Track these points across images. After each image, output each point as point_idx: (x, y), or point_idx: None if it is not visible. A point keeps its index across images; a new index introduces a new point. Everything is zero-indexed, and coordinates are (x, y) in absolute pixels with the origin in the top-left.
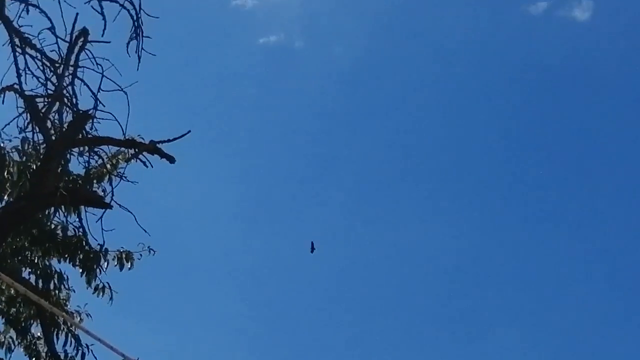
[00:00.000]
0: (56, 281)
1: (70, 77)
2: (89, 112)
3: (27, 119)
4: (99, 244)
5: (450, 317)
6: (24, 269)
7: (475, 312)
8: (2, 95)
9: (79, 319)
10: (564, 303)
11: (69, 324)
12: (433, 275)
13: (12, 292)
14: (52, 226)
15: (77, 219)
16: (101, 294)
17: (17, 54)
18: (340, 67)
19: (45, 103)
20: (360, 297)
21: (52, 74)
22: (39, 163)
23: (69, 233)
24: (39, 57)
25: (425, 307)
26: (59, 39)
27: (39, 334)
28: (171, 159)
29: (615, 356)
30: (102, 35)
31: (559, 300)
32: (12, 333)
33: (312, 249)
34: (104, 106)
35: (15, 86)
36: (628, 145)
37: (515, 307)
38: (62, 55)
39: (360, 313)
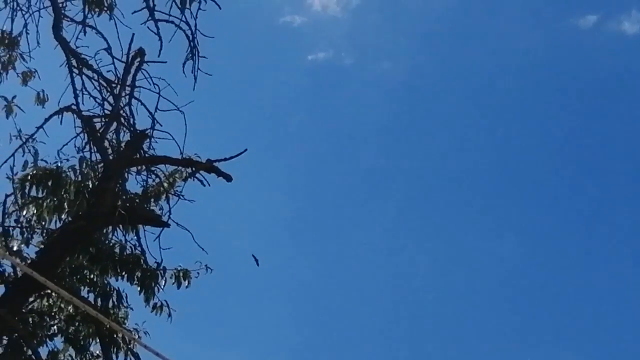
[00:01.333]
0: (115, 299)
1: (127, 97)
2: (146, 132)
3: (84, 139)
4: (156, 262)
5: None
6: (82, 287)
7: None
8: (60, 116)
9: (137, 336)
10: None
11: (128, 343)
12: (494, 287)
13: (71, 310)
14: (110, 245)
15: (135, 238)
16: (159, 312)
17: (74, 75)
18: (390, 83)
19: (103, 123)
20: (414, 312)
21: (109, 94)
22: (96, 182)
23: (127, 251)
24: (96, 78)
25: (486, 321)
26: (115, 60)
27: (97, 353)
28: (228, 178)
29: None
30: (159, 56)
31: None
32: (71, 351)
33: (256, 261)
34: (161, 125)
35: (73, 107)
36: None
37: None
38: (119, 75)
39: (415, 330)
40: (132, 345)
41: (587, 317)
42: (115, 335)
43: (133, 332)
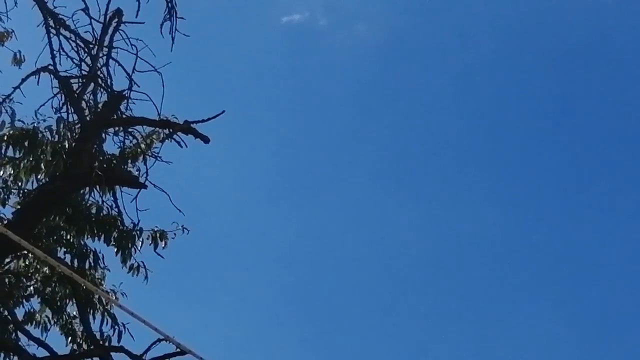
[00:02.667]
0: (91, 260)
1: (104, 58)
2: (124, 93)
3: (61, 99)
4: (133, 223)
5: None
6: (59, 248)
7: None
8: (37, 76)
9: (114, 297)
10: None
11: (104, 304)
12: (473, 256)
13: (47, 271)
14: (87, 206)
15: (112, 199)
16: (136, 273)
17: (52, 35)
18: (365, 45)
19: (80, 84)
20: (395, 278)
21: (86, 55)
22: (73, 143)
23: (104, 213)
24: (73, 39)
25: (466, 287)
26: (93, 20)
27: (74, 314)
28: (205, 139)
29: None
30: (136, 17)
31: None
32: (48, 312)
33: None
34: (139, 87)
35: (50, 67)
36: None
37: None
38: (96, 36)
39: (396, 295)
40: (108, 306)
41: (570, 279)
42: (91, 297)
43: (110, 294)
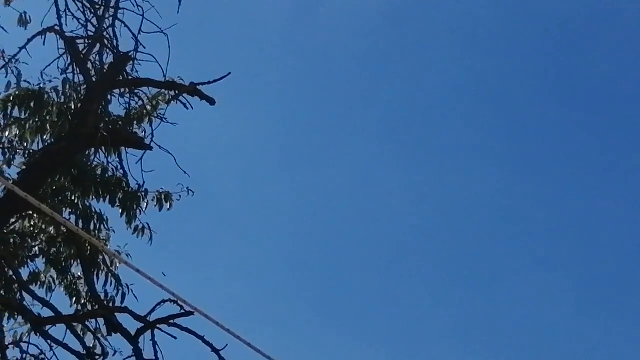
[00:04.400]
0: (96, 221)
1: (110, 19)
2: (130, 54)
3: (67, 60)
4: (138, 185)
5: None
6: (64, 209)
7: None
8: (43, 37)
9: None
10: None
11: (109, 265)
12: (477, 218)
13: (53, 231)
14: (92, 167)
15: (117, 160)
16: (141, 234)
17: None
18: (371, 6)
19: (86, 45)
20: (400, 242)
21: (92, 15)
22: (79, 104)
23: (109, 174)
24: None
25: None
26: None
27: (79, 274)
28: (211, 101)
29: None
30: None
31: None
32: (53, 273)
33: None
34: (145, 48)
35: (56, 28)
36: None
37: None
38: None
39: (399, 257)
40: (113, 267)
41: (571, 239)
42: (96, 258)
43: (115, 254)
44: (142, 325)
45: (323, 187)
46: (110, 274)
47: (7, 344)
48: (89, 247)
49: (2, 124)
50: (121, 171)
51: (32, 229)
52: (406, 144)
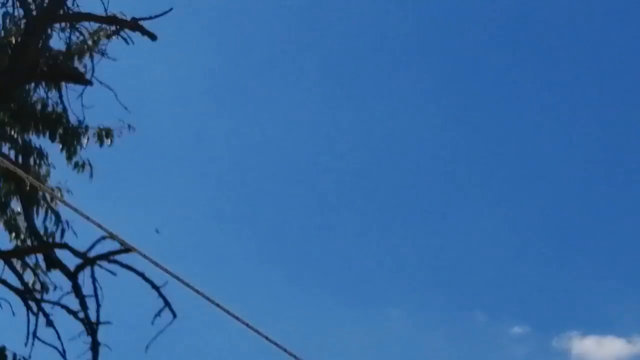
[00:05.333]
0: (36, 157)
1: None
2: None
3: None
4: (78, 120)
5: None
6: (3, 144)
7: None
8: None
9: (59, 194)
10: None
11: (49, 200)
12: (417, 157)
13: None
14: (32, 102)
15: (57, 95)
16: (81, 170)
17: None
18: None
19: None
20: (337, 183)
21: None
22: (19, 38)
23: (49, 109)
24: None
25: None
26: None
27: (18, 210)
28: (152, 36)
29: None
30: None
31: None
32: None
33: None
34: None
35: None
36: None
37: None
38: None
39: (338, 196)
40: (53, 203)
41: (511, 178)
42: (36, 194)
43: (54, 190)
44: (82, 261)
45: (261, 124)
46: (49, 210)
47: None
48: (28, 184)
49: None
50: (61, 106)
51: None
52: (344, 83)
